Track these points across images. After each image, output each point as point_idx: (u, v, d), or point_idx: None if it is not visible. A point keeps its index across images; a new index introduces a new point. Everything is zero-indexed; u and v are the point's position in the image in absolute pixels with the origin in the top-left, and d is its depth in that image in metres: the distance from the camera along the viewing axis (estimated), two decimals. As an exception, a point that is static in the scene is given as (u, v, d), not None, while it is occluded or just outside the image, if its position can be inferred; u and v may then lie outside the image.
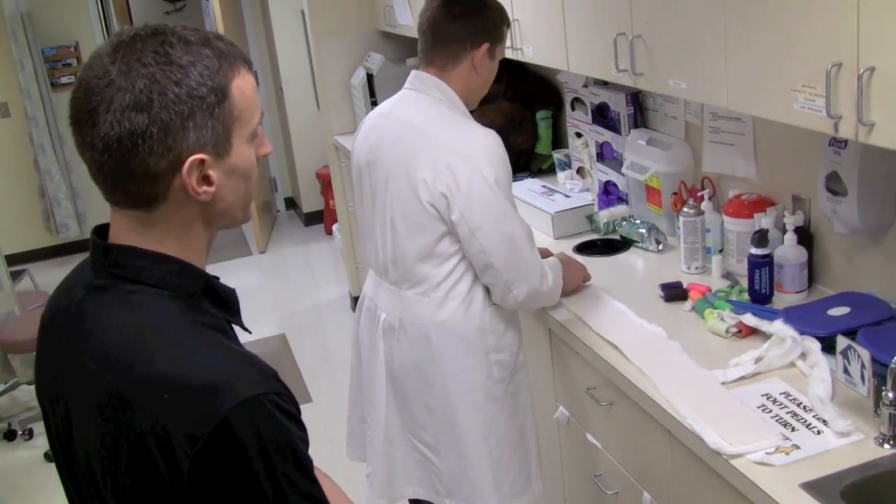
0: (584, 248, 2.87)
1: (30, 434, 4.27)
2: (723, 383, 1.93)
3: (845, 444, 1.67)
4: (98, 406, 1.05)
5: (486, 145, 2.14)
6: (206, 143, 1.08)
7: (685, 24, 2.06)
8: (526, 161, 3.67)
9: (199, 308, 1.12)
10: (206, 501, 1.01)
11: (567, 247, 2.87)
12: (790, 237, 2.25)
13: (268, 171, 7.29)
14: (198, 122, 1.06)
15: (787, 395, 1.86)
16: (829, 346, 1.91)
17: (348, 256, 5.14)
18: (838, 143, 2.06)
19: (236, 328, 1.20)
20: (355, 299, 5.05)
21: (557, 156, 3.53)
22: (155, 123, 1.04)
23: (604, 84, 3.08)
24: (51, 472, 3.84)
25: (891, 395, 1.62)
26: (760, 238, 2.25)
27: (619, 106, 2.99)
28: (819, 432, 1.72)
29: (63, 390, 1.12)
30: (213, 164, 1.09)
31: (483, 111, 3.48)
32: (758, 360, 1.98)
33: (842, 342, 1.75)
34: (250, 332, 1.24)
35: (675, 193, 2.75)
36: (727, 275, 2.48)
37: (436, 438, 2.29)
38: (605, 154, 3.14)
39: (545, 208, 3.05)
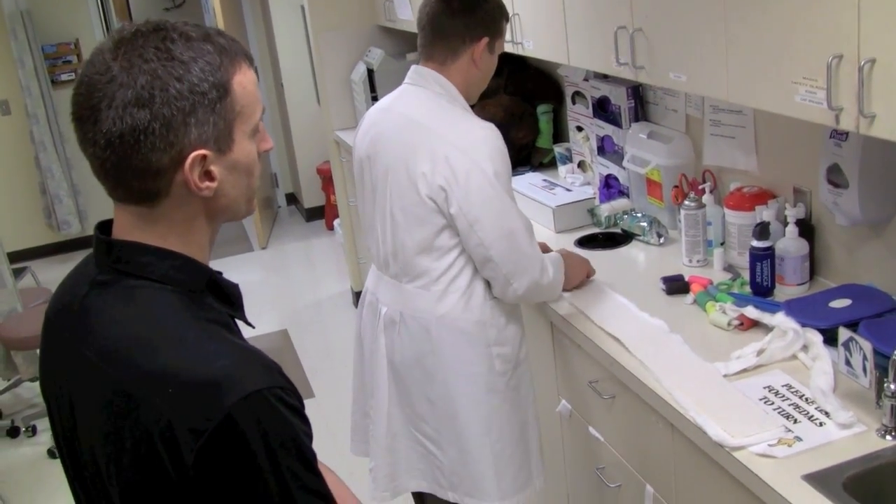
0: (585, 242, 2.87)
1: (33, 431, 4.28)
2: (725, 376, 1.93)
3: (847, 435, 1.68)
4: (102, 401, 1.05)
5: (485, 138, 2.14)
6: (207, 138, 1.08)
7: (685, 17, 2.06)
8: (527, 155, 3.67)
9: (203, 303, 1.12)
10: (211, 495, 1.01)
11: (568, 240, 2.88)
12: (791, 230, 2.25)
13: (269, 167, 7.29)
14: (199, 118, 1.07)
15: (789, 387, 1.86)
16: (830, 339, 1.91)
17: (350, 252, 5.14)
18: (839, 136, 2.06)
19: (239, 323, 1.21)
20: (357, 294, 5.06)
21: (558, 150, 3.53)
22: (157, 119, 1.04)
23: (604, 78, 3.08)
24: (54, 468, 3.88)
25: (892, 386, 1.62)
26: (762, 231, 2.26)
27: (620, 99, 2.99)
28: (821, 424, 1.72)
29: (67, 386, 1.13)
30: (214, 159, 1.09)
31: (484, 105, 3.48)
32: (760, 352, 1.98)
33: (843, 334, 1.75)
34: (254, 327, 1.25)
35: (677, 186, 2.75)
36: (729, 267, 2.49)
37: (437, 431, 2.30)
38: (605, 147, 3.14)
39: (546, 202, 3.05)
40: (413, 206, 2.18)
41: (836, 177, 2.10)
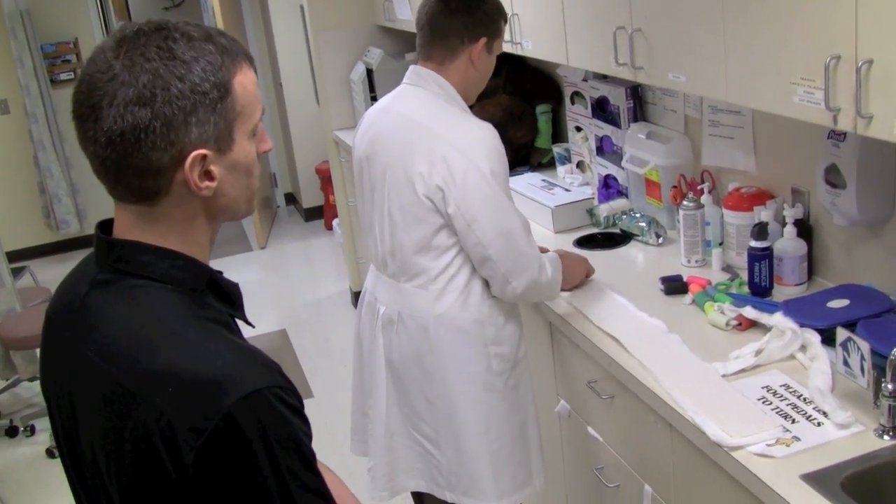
0: (584, 242, 2.87)
1: (31, 430, 4.28)
2: (723, 376, 1.94)
3: (845, 435, 1.68)
4: (103, 400, 1.05)
5: (482, 138, 2.15)
6: (208, 138, 1.08)
7: (684, 17, 2.07)
8: (525, 155, 3.68)
9: (203, 302, 1.12)
10: (211, 494, 1.01)
11: (567, 241, 2.88)
12: (790, 230, 2.25)
13: (268, 167, 7.29)
14: (200, 118, 1.07)
15: (787, 387, 1.87)
16: (828, 339, 1.92)
17: (349, 251, 5.14)
18: (837, 136, 2.06)
19: (240, 323, 1.21)
20: (356, 294, 5.06)
21: (557, 150, 3.54)
22: (158, 118, 1.04)
23: (603, 78, 3.09)
24: (53, 468, 3.89)
25: (890, 386, 1.63)
26: (760, 231, 2.26)
27: (619, 100, 2.99)
28: (819, 424, 1.72)
29: (68, 384, 1.13)
30: (214, 159, 1.10)
31: (482, 105, 3.48)
32: (758, 352, 1.98)
33: (841, 334, 1.76)
34: (254, 327, 1.25)
35: (675, 187, 2.75)
36: (727, 268, 2.49)
37: (436, 431, 2.30)
38: (604, 148, 3.15)
39: (545, 202, 3.05)
40: (411, 206, 2.18)
41: (833, 177, 2.11)
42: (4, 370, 4.39)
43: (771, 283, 2.28)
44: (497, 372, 2.26)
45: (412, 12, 3.81)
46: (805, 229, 2.29)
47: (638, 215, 2.85)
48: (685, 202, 2.53)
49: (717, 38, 1.95)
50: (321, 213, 6.94)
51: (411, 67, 2.32)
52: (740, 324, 2.13)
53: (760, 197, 2.41)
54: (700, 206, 2.52)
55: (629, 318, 2.28)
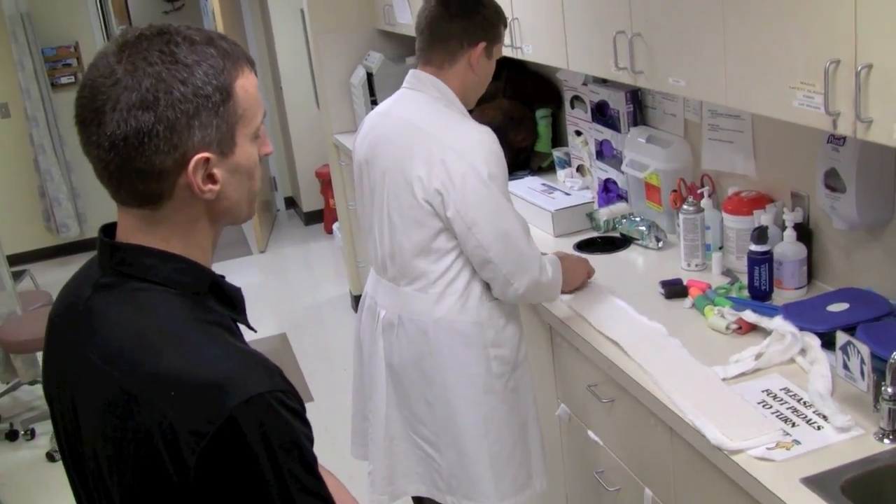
0: (584, 246, 2.88)
1: (32, 434, 4.28)
2: (723, 379, 1.94)
3: (845, 439, 1.68)
4: (105, 403, 1.06)
5: (480, 141, 2.15)
6: (210, 141, 1.09)
7: (684, 21, 2.07)
8: (525, 159, 3.68)
9: (205, 306, 1.13)
10: (212, 498, 1.02)
11: (567, 244, 2.88)
12: (789, 234, 2.26)
13: (268, 171, 7.29)
14: (203, 121, 1.07)
15: (787, 390, 1.87)
16: (828, 342, 1.92)
17: (349, 255, 5.15)
18: (836, 140, 2.07)
19: (241, 327, 1.21)
20: (356, 298, 5.06)
21: (557, 154, 3.54)
22: (161, 122, 1.05)
23: (603, 82, 3.09)
24: (53, 472, 3.89)
25: (890, 390, 1.63)
26: (760, 235, 2.26)
27: (619, 104, 3.00)
28: (819, 427, 1.73)
29: (70, 387, 1.13)
30: (217, 162, 1.10)
31: (483, 109, 3.48)
32: (758, 356, 1.99)
33: (841, 338, 1.76)
34: (255, 331, 1.25)
35: (675, 191, 2.76)
36: (727, 272, 2.49)
37: (436, 434, 2.30)
38: (604, 152, 3.15)
39: (545, 206, 3.06)
40: (410, 209, 2.19)
41: (833, 181, 2.11)
42: (5, 373, 4.38)
43: (771, 286, 2.28)
44: (497, 374, 2.27)
45: (412, 16, 3.81)
46: (805, 233, 2.30)
47: (638, 219, 2.85)
48: (685, 206, 2.53)
49: (717, 43, 1.95)
50: (321, 217, 6.94)
51: (411, 72, 2.33)
52: (740, 327, 2.14)
53: (760, 201, 2.42)
54: (700, 210, 2.52)
55: (629, 321, 2.28)
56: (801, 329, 2.00)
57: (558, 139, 3.68)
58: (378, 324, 2.35)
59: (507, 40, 2.83)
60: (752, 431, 1.73)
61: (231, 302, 1.18)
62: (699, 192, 2.63)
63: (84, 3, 6.72)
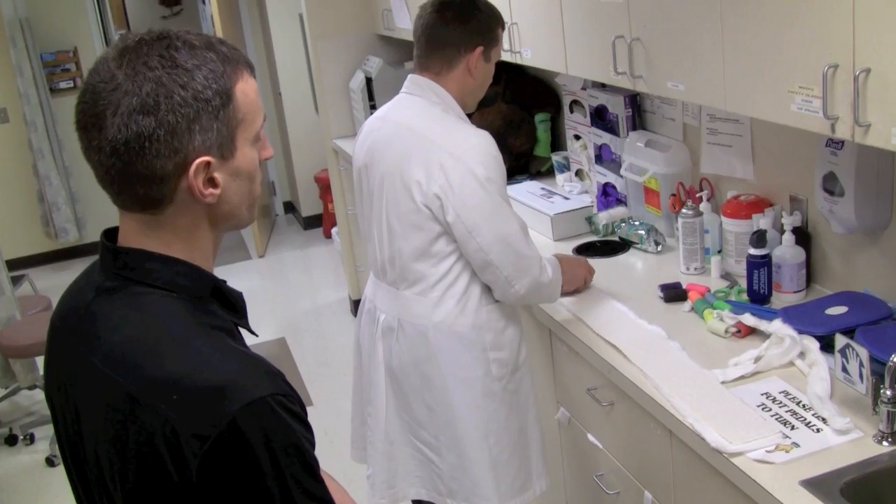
0: (583, 250, 2.88)
1: (31, 439, 4.27)
2: (723, 382, 1.94)
3: (844, 441, 1.69)
4: (107, 407, 1.06)
5: (478, 144, 2.16)
6: (211, 145, 1.09)
7: (683, 26, 2.08)
8: (524, 163, 3.69)
9: (207, 310, 1.13)
10: (214, 501, 1.02)
11: (566, 248, 2.89)
12: (788, 237, 2.26)
13: (267, 175, 7.30)
14: (203, 125, 1.08)
15: (786, 393, 1.88)
16: (827, 345, 1.93)
17: (347, 259, 5.15)
18: (835, 144, 2.07)
19: (242, 331, 1.22)
20: (355, 302, 5.06)
21: (556, 158, 3.55)
22: (162, 126, 1.05)
23: (602, 86, 3.10)
24: (52, 476, 3.89)
25: (889, 392, 1.64)
26: (759, 238, 2.27)
27: (618, 108, 3.00)
28: (818, 430, 1.73)
29: (72, 391, 1.14)
30: (218, 166, 1.11)
31: (482, 113, 3.49)
32: (757, 359, 1.99)
33: (840, 341, 1.77)
34: (257, 335, 1.26)
35: (674, 195, 2.76)
36: (726, 275, 2.50)
37: (436, 437, 2.31)
38: (603, 156, 3.16)
39: (544, 210, 3.06)
40: (409, 214, 2.19)
41: (831, 185, 2.12)
42: (4, 378, 4.38)
43: (770, 290, 2.29)
44: (496, 377, 2.27)
45: (411, 21, 3.81)
46: (803, 237, 2.30)
47: (637, 223, 2.85)
48: (684, 210, 2.54)
49: (716, 47, 1.96)
50: (320, 222, 6.94)
51: (409, 76, 2.33)
52: (739, 331, 2.14)
53: (759, 205, 2.42)
54: (699, 214, 2.52)
55: (628, 325, 2.28)
56: (800, 332, 2.00)
57: (557, 143, 3.69)
58: (377, 328, 2.36)
59: (506, 45, 2.84)
60: (752, 434, 1.73)
61: (233, 306, 1.19)
62: (698, 195, 2.63)
63: (83, 9, 6.73)
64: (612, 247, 2.87)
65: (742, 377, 1.96)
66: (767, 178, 2.47)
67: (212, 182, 1.11)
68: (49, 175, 6.64)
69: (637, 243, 2.83)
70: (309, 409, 4.29)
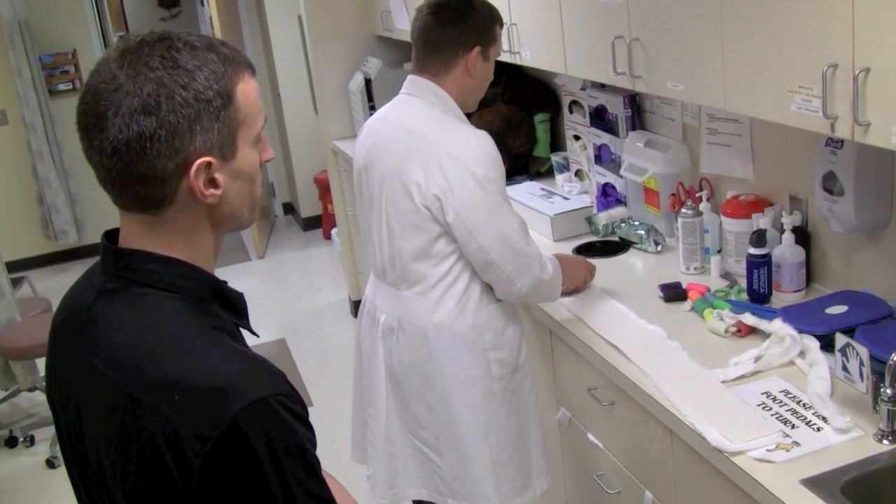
0: (583, 250, 2.88)
1: (31, 441, 4.27)
2: (723, 382, 1.95)
3: (845, 440, 1.69)
4: (109, 408, 1.06)
5: (477, 145, 2.16)
6: (212, 145, 1.09)
7: (682, 26, 2.08)
8: (524, 164, 3.69)
9: (208, 311, 1.13)
10: (216, 501, 1.02)
11: (566, 249, 2.89)
12: (788, 237, 2.26)
13: (266, 176, 7.30)
14: (204, 125, 1.08)
15: (786, 392, 1.88)
16: (827, 345, 1.93)
17: (347, 260, 5.15)
18: (835, 143, 2.08)
19: (243, 331, 1.22)
20: (355, 303, 5.06)
21: (556, 158, 3.55)
22: (163, 126, 1.05)
23: (601, 87, 3.10)
24: (52, 478, 3.89)
25: (889, 391, 1.64)
26: (758, 238, 2.27)
27: (617, 108, 3.01)
28: (819, 429, 1.73)
29: (74, 392, 1.14)
30: (219, 166, 1.11)
31: (481, 114, 3.49)
32: (757, 358, 1.99)
33: (840, 340, 1.77)
34: (258, 336, 1.26)
35: (674, 195, 2.76)
36: (726, 275, 2.50)
37: (437, 438, 2.31)
38: (603, 156, 3.16)
39: (544, 211, 3.06)
40: (408, 215, 2.19)
41: (831, 184, 2.12)
42: (4, 380, 4.38)
43: (770, 289, 2.29)
44: (497, 377, 2.27)
45: (410, 22, 3.82)
46: (803, 236, 2.30)
47: (637, 223, 2.86)
48: (684, 210, 2.54)
49: (716, 47, 1.96)
50: (319, 223, 6.94)
51: (409, 77, 2.33)
52: (739, 330, 2.14)
53: (758, 204, 2.42)
54: (698, 214, 2.53)
55: (629, 325, 2.28)
56: (800, 331, 2.01)
57: (557, 144, 3.69)
58: (378, 328, 2.36)
59: (505, 45, 2.85)
60: (752, 433, 1.73)
61: (234, 307, 1.19)
62: (698, 195, 2.63)
63: (82, 11, 6.73)
64: (611, 247, 2.88)
65: (742, 376, 1.96)
66: (767, 177, 2.47)
67: (213, 183, 1.11)
68: (48, 177, 6.64)
69: (637, 243, 2.83)
70: (309, 410, 4.30)
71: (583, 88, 3.22)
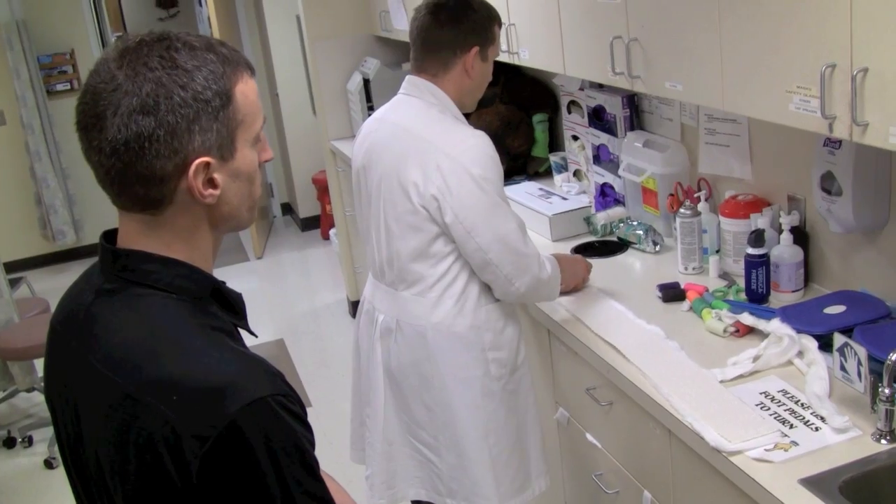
0: (581, 250, 2.88)
1: (29, 441, 4.27)
2: (721, 382, 1.95)
3: (843, 440, 1.69)
4: (108, 408, 1.06)
5: (474, 145, 2.16)
6: (210, 146, 1.09)
7: (681, 26, 2.08)
8: (522, 164, 3.69)
9: (207, 311, 1.13)
10: (215, 502, 1.02)
11: (565, 249, 2.89)
12: (786, 237, 2.27)
13: (265, 177, 7.29)
14: (203, 125, 1.08)
15: (784, 392, 1.88)
16: (825, 344, 1.93)
17: (345, 261, 5.15)
18: (833, 143, 2.08)
19: (242, 332, 1.22)
20: (353, 304, 5.06)
21: (554, 159, 3.55)
22: (162, 126, 1.05)
23: (599, 87, 3.10)
24: (51, 479, 3.89)
25: (887, 391, 1.64)
26: (757, 238, 2.27)
27: (615, 108, 3.01)
28: (817, 429, 1.73)
29: (72, 393, 1.14)
30: (217, 167, 1.11)
31: (480, 114, 3.50)
32: (755, 358, 1.99)
33: (838, 340, 1.77)
34: (256, 336, 1.26)
35: (672, 195, 2.77)
36: (724, 275, 2.50)
37: (435, 438, 2.31)
38: (601, 156, 3.16)
39: (543, 211, 3.06)
40: (406, 215, 2.19)
41: (829, 184, 2.12)
42: (2, 381, 4.38)
43: (768, 289, 2.29)
44: (495, 377, 2.27)
45: (408, 22, 3.81)
46: (801, 236, 2.31)
47: (635, 223, 2.86)
48: (682, 210, 2.54)
49: (714, 47, 1.96)
50: (318, 223, 6.94)
51: (407, 77, 2.34)
52: (738, 330, 2.14)
53: (757, 204, 2.43)
54: (697, 214, 2.53)
55: (627, 325, 2.29)
56: (799, 331, 2.01)
57: (555, 144, 3.69)
58: (376, 328, 2.36)
59: (503, 46, 2.85)
60: (751, 433, 1.73)
61: (232, 307, 1.19)
62: (696, 195, 2.63)
63: (80, 11, 6.73)
64: (610, 247, 2.88)
65: (741, 376, 1.96)
66: (765, 177, 2.47)
67: (211, 183, 1.11)
68: (46, 177, 6.63)
69: (635, 243, 2.83)
70: (308, 411, 4.29)
71: (581, 88, 3.22)
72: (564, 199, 3.20)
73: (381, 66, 4.51)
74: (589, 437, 2.40)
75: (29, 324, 4.32)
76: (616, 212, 2.99)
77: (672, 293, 2.41)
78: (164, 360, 1.05)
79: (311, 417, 1.12)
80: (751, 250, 2.28)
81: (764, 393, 1.88)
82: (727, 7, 1.89)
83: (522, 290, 2.20)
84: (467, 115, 2.34)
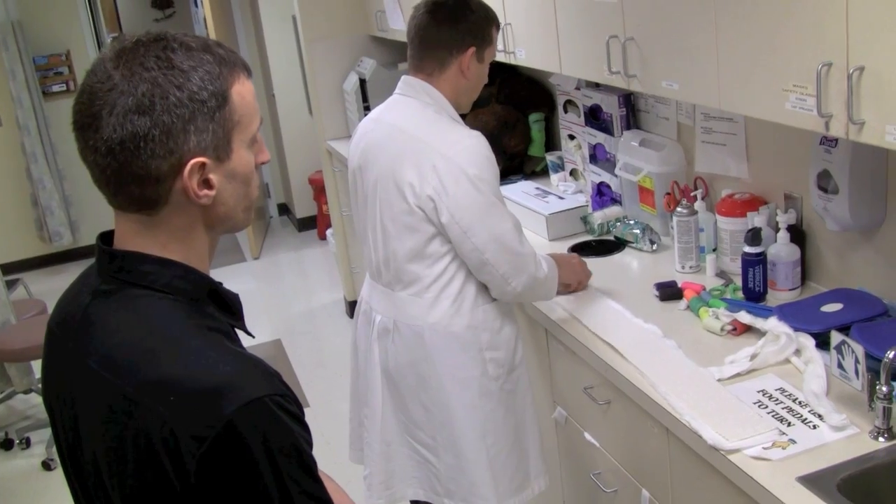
0: (578, 250, 2.88)
1: (27, 443, 4.26)
2: (719, 380, 1.95)
3: (840, 437, 1.69)
4: (105, 409, 1.06)
5: (470, 146, 2.16)
6: (206, 146, 1.09)
7: (677, 25, 2.08)
8: (519, 163, 3.69)
9: (204, 312, 1.13)
10: (213, 502, 1.02)
11: (562, 248, 2.89)
12: (783, 235, 2.27)
13: (261, 177, 7.28)
14: (199, 126, 1.08)
15: (782, 390, 1.88)
16: (823, 342, 1.93)
17: (342, 261, 5.14)
18: (829, 142, 2.08)
19: (239, 333, 1.22)
20: (350, 304, 5.06)
21: (550, 158, 3.55)
22: (157, 126, 1.05)
23: (596, 86, 3.10)
24: (49, 480, 3.88)
25: (884, 389, 1.64)
26: (753, 236, 2.28)
27: (612, 108, 3.01)
28: (815, 427, 1.74)
29: (70, 394, 1.13)
30: (213, 167, 1.11)
31: (476, 114, 3.50)
32: (753, 356, 1.99)
33: (836, 338, 1.77)
34: (253, 337, 1.26)
35: (668, 194, 2.77)
36: (721, 273, 2.51)
37: (433, 438, 2.31)
38: (598, 156, 3.16)
39: (539, 210, 3.07)
40: (402, 215, 2.19)
41: (826, 183, 2.13)
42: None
43: (765, 288, 2.29)
44: (493, 377, 2.27)
45: (404, 22, 3.82)
46: (798, 234, 2.31)
47: (632, 222, 2.86)
48: (679, 209, 2.54)
49: (710, 46, 1.96)
50: (314, 223, 6.94)
51: (403, 77, 2.34)
52: (735, 329, 2.15)
53: (753, 203, 2.43)
54: (694, 213, 2.53)
55: (624, 324, 2.29)
56: (796, 329, 2.01)
57: (552, 143, 3.69)
58: (373, 329, 2.36)
59: (500, 45, 2.84)
60: (748, 431, 1.74)
61: (229, 308, 1.19)
62: (693, 194, 2.64)
63: (75, 12, 6.72)
64: (607, 246, 2.88)
65: (738, 375, 1.96)
66: (762, 176, 2.48)
67: (207, 183, 1.11)
68: (42, 179, 6.62)
69: (632, 242, 2.83)
70: (306, 411, 4.28)
71: (577, 88, 3.23)
72: (561, 198, 3.20)
73: (377, 66, 4.51)
74: (587, 436, 2.40)
75: (26, 325, 4.32)
76: (613, 211, 2.99)
77: (669, 292, 2.41)
78: (161, 361, 1.05)
79: (309, 417, 1.12)
80: (748, 249, 2.28)
81: (761, 391, 1.89)
82: (723, 6, 1.89)
83: (519, 289, 2.20)
84: (463, 115, 2.34)
